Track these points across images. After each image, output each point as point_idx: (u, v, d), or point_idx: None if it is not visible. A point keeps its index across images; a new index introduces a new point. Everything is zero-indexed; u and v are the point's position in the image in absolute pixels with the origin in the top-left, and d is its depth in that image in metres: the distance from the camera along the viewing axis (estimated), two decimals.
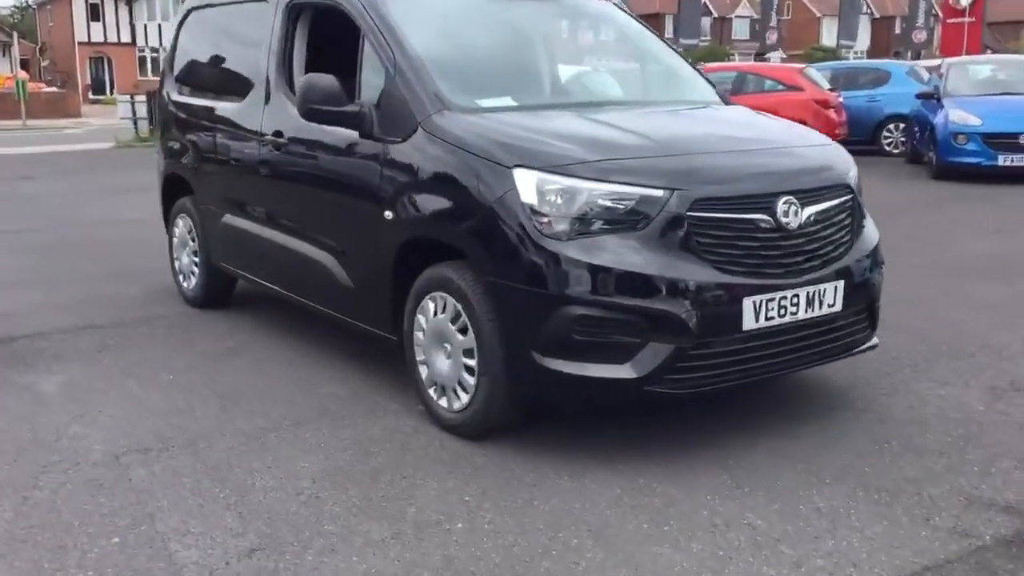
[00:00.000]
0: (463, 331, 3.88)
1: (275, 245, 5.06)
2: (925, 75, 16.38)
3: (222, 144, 5.62)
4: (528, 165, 3.63)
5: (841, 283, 3.86)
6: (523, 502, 3.44)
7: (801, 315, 3.74)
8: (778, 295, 3.65)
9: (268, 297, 5.70)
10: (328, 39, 5.05)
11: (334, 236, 4.60)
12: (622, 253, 3.49)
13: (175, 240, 6.41)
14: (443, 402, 4.06)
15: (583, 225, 3.54)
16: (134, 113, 23.09)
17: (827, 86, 15.45)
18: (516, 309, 3.63)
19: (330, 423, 4.20)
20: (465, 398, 3.92)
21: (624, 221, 3.53)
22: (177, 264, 6.42)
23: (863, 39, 62.90)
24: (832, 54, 52.21)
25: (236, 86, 5.58)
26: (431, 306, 4.04)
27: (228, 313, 6.08)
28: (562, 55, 5.24)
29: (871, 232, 4.18)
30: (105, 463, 3.83)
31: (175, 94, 6.36)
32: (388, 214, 4.14)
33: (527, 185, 3.60)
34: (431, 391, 4.12)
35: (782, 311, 3.67)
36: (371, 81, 4.38)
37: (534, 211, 3.57)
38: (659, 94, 4.93)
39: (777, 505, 3.39)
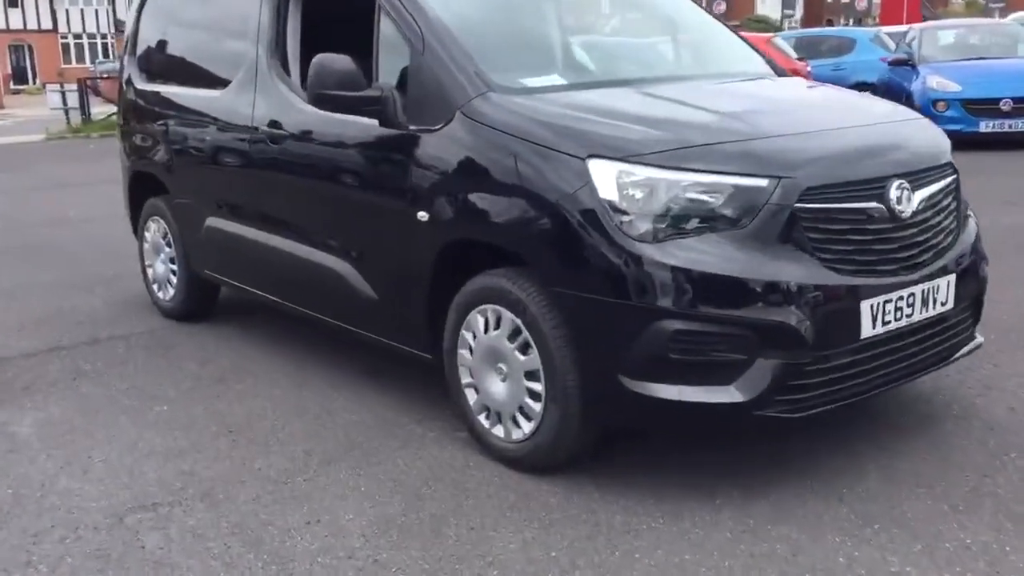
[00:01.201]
0: (524, 350, 3.33)
1: (275, 251, 4.44)
2: (891, 42, 16.11)
3: (202, 137, 4.97)
4: (605, 155, 3.08)
5: (952, 277, 3.38)
6: (623, 554, 2.91)
7: (917, 316, 3.26)
8: (894, 295, 3.16)
9: (255, 304, 5.07)
10: (329, 15, 4.43)
11: (351, 241, 4.00)
12: (723, 255, 2.96)
13: (147, 246, 5.73)
14: (498, 431, 3.51)
15: (675, 223, 3.00)
16: (65, 103, 21.92)
17: (795, 56, 15.09)
18: (595, 325, 3.08)
19: (363, 459, 3.62)
20: (528, 427, 3.37)
21: (723, 217, 3.01)
22: (150, 272, 5.75)
23: (800, 8, 63.15)
24: (768, 25, 52.24)
25: (215, 71, 4.94)
26: (480, 321, 3.47)
27: (213, 326, 5.43)
28: (597, 25, 4.68)
29: (970, 216, 3.71)
30: (108, 527, 3.21)
31: (139, 81, 5.67)
32: (422, 215, 3.56)
33: (605, 178, 3.05)
34: (482, 418, 3.57)
35: (898, 313, 3.19)
36: (391, 61, 3.79)
37: (615, 209, 3.03)
38: (709, 66, 4.39)
39: (919, 545, 2.90)
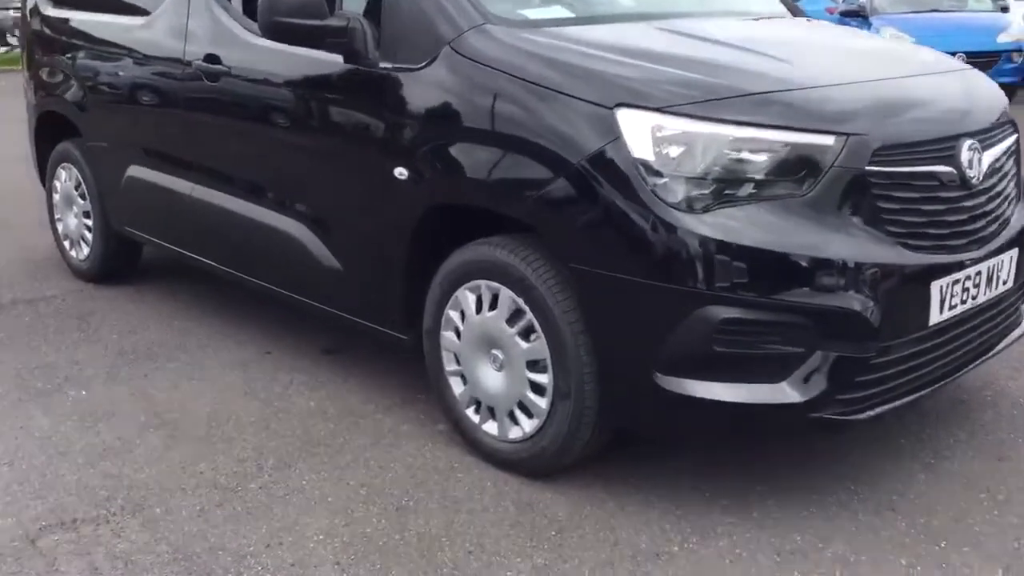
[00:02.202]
0: (526, 335, 2.80)
1: (213, 209, 3.80)
2: None
3: (121, 72, 4.26)
4: (637, 104, 2.53)
5: (1015, 252, 2.94)
6: None
7: (981, 298, 2.81)
8: (962, 275, 2.71)
9: (188, 265, 4.42)
10: None
11: (309, 201, 3.40)
12: (781, 228, 2.46)
13: (56, 197, 5.00)
14: (490, 428, 2.97)
15: (722, 189, 2.48)
16: None
17: None
18: (622, 311, 2.56)
19: (328, 460, 3.05)
20: (529, 425, 2.85)
21: (781, 182, 2.49)
22: (61, 227, 5.03)
23: None
24: None
25: None
26: (471, 299, 2.92)
27: (137, 290, 4.75)
28: None
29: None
30: (16, 551, 2.60)
31: (47, 7, 4.90)
32: (400, 172, 2.97)
33: (638, 133, 2.51)
34: (470, 412, 3.03)
35: (965, 295, 2.73)
36: None
37: (649, 170, 2.49)
38: (717, 3, 3.83)
39: (1000, 569, 2.48)
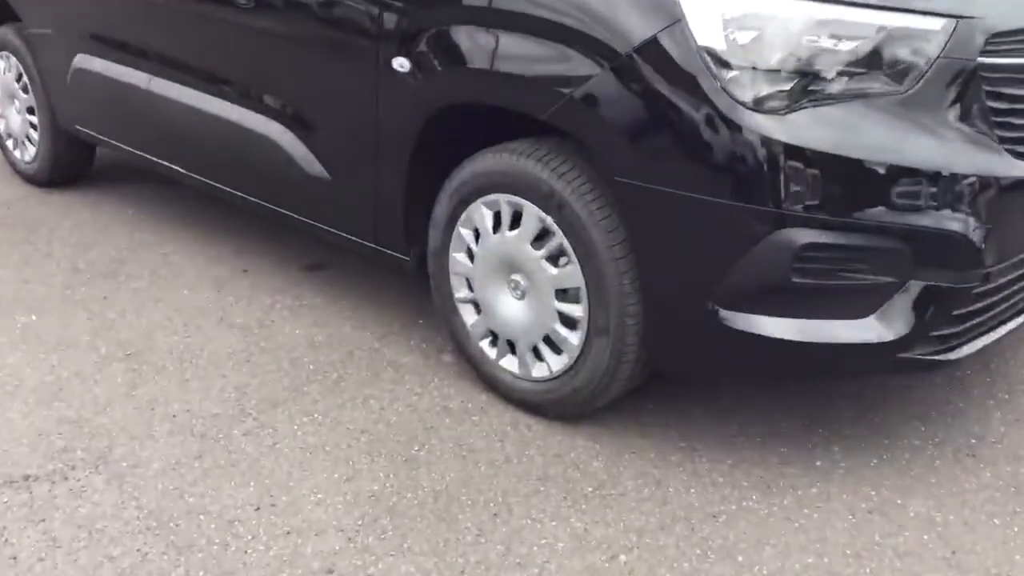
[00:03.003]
0: (555, 260, 2.38)
1: (174, 106, 3.29)
2: None
3: None
4: None
5: None
6: (717, 556, 2.07)
7: None
8: None
9: (149, 169, 3.92)
10: None
11: (290, 97, 2.91)
12: (876, 133, 2.03)
13: None
14: (509, 364, 2.58)
15: (807, 84, 2.04)
16: None
17: None
18: (680, 234, 2.14)
19: (322, 399, 2.65)
20: (558, 363, 2.46)
21: (875, 76, 2.05)
22: (2, 125, 4.48)
23: None
24: None
25: None
26: (487, 216, 2.49)
27: (91, 197, 4.24)
28: None
29: None
30: None
31: None
32: (401, 64, 2.50)
33: (705, 14, 2.05)
34: (484, 345, 2.63)
35: None
36: None
37: (717, 60, 2.04)
38: None
39: None
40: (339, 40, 2.68)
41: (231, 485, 2.29)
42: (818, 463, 2.38)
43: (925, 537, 2.13)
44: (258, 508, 2.22)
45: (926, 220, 2.05)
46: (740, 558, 2.07)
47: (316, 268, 3.48)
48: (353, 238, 2.90)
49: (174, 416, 2.57)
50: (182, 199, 4.06)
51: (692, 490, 2.28)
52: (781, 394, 2.64)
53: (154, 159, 3.55)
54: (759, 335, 2.12)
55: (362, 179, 2.77)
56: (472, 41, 2.37)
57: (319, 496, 2.26)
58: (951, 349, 2.19)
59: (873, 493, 2.27)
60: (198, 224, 3.85)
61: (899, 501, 2.25)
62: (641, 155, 2.14)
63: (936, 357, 2.17)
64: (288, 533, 2.14)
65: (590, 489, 2.29)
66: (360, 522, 2.17)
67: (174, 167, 3.43)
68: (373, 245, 2.85)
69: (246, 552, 2.08)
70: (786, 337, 2.12)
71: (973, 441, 2.47)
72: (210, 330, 3.02)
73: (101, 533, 2.14)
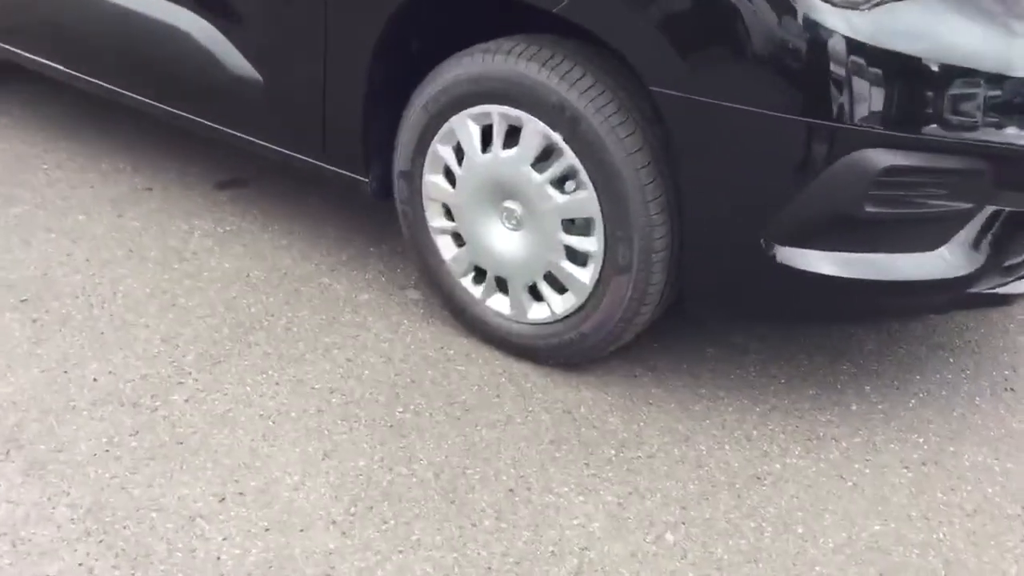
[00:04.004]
0: (560, 184, 2.01)
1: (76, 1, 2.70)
2: None
3: None
4: None
5: None
6: (776, 529, 1.81)
7: None
8: None
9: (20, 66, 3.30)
10: None
11: None
12: (970, 37, 1.72)
13: None
14: (498, 304, 2.22)
15: None
16: None
17: None
18: (731, 157, 1.80)
19: (274, 350, 2.24)
20: (562, 304, 2.11)
21: None
22: None
23: None
24: None
25: None
26: (473, 131, 2.09)
27: None
28: None
29: None
30: None
31: None
32: None
33: None
34: (466, 282, 2.25)
35: None
36: None
37: None
38: None
39: None
40: None
41: (183, 470, 1.88)
42: (853, 407, 2.14)
43: (989, 491, 1.93)
44: (223, 499, 1.82)
45: (1012, 137, 1.76)
46: (800, 529, 1.81)
47: (233, 185, 2.99)
48: (294, 154, 2.44)
49: (94, 380, 2.12)
50: (59, 101, 3.44)
51: (726, 447, 2.01)
52: (792, 337, 2.38)
53: (39, 59, 2.93)
54: (817, 274, 1.82)
55: (306, 82, 2.30)
56: None
57: (295, 478, 1.87)
58: (1021, 279, 1.94)
59: (921, 440, 2.05)
60: (83, 132, 3.26)
61: (951, 449, 2.03)
62: (687, 60, 1.77)
63: (1010, 292, 1.92)
64: (267, 530, 1.76)
65: (612, 452, 1.98)
66: (353, 510, 1.80)
67: (68, 70, 2.82)
68: (321, 163, 2.40)
69: (219, 559, 1.70)
70: (847, 275, 1.82)
71: (1007, 373, 2.27)
72: (119, 266, 2.53)
73: (28, 544, 1.71)
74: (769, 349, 2.31)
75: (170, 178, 3.01)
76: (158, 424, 1.99)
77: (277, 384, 2.12)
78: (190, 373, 2.14)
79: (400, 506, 1.82)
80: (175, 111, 2.58)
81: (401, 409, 2.07)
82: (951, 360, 2.31)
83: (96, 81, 2.73)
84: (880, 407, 2.14)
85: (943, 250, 1.84)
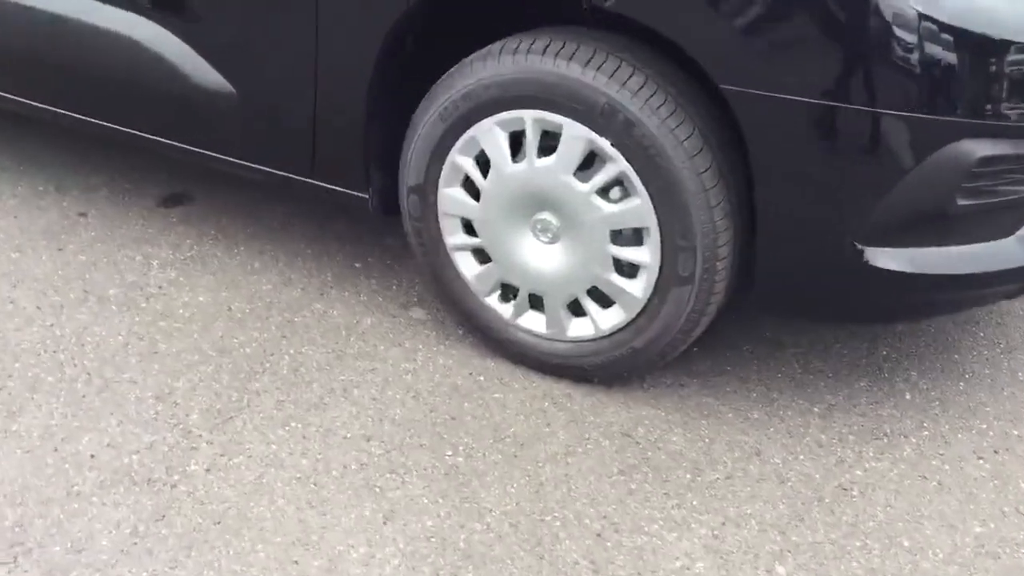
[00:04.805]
0: (604, 192, 1.84)
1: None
2: None
3: None
4: None
5: None
6: (884, 545, 1.72)
7: None
8: None
9: None
10: None
11: None
12: None
13: None
14: (531, 322, 2.05)
15: None
16: None
17: None
18: (814, 157, 1.67)
19: (288, 394, 2.01)
20: (610, 319, 1.96)
21: None
22: None
23: None
24: None
25: None
26: (501, 139, 1.89)
27: None
28: None
29: None
30: None
31: None
32: None
33: None
34: (492, 301, 2.07)
35: None
36: None
37: None
38: None
39: None
40: None
41: (231, 556, 1.65)
42: (908, 396, 2.08)
43: None
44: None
45: None
46: (905, 542, 1.73)
47: (178, 201, 2.69)
48: (275, 172, 2.18)
49: (92, 456, 1.84)
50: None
51: (800, 457, 1.91)
52: (843, 336, 2.29)
53: None
54: (902, 272, 1.72)
55: (290, 93, 2.05)
56: None
57: (361, 551, 1.67)
58: None
59: (984, 426, 2.00)
60: (6, 147, 2.88)
61: (1016, 433, 1.99)
62: (766, 55, 1.62)
63: None
64: None
65: (688, 476, 1.85)
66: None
67: (17, 98, 2.42)
68: (309, 181, 2.15)
69: None
70: (938, 272, 1.74)
71: None
72: (77, 311, 2.22)
73: None
74: (804, 340, 2.22)
75: (103, 198, 2.68)
76: (183, 503, 1.74)
77: (304, 438, 1.90)
78: (201, 435, 1.89)
79: (487, 569, 1.64)
80: (135, 132, 2.26)
81: (450, 452, 1.88)
82: (981, 334, 2.28)
83: (25, 101, 2.37)
84: (933, 394, 2.09)
85: (1014, 237, 1.77)
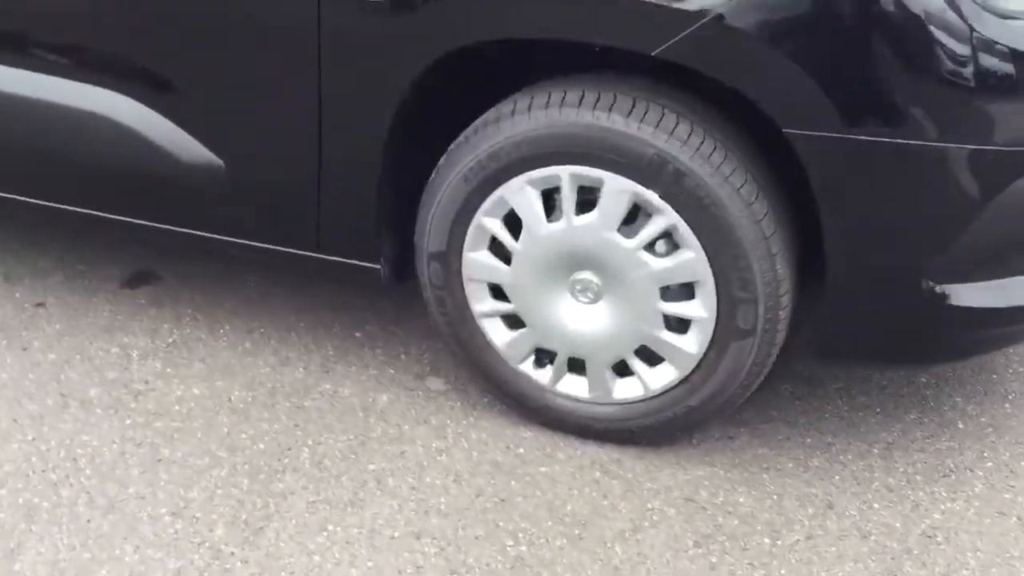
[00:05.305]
0: (651, 246, 1.72)
1: None
2: None
3: None
4: None
5: None
6: None
7: None
8: None
9: None
10: None
11: (150, 55, 1.89)
12: None
13: None
14: (571, 387, 1.91)
15: None
16: None
17: None
18: (888, 197, 1.59)
19: (317, 493, 1.82)
20: (661, 379, 1.84)
21: None
22: None
23: None
24: None
25: None
26: (533, 198, 1.75)
27: None
28: None
29: None
30: None
31: None
32: None
33: None
34: (526, 368, 1.93)
35: None
36: None
37: None
38: None
39: None
40: None
41: None
42: (960, 425, 2.02)
43: None
44: None
45: None
46: None
47: (143, 280, 2.47)
48: (271, 247, 2.00)
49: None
50: None
51: (875, 505, 1.82)
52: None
53: None
54: (982, 308, 1.65)
55: (290, 164, 1.87)
56: None
57: None
58: None
59: None
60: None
61: None
62: (837, 96, 1.52)
63: None
64: None
65: (767, 541, 1.74)
66: None
67: None
68: (311, 254, 1.98)
69: None
70: (1007, 304, 1.67)
71: None
72: (59, 420, 1.99)
73: None
74: (841, 374, 2.14)
75: (59, 284, 2.44)
76: None
77: (348, 543, 1.72)
78: (232, 553, 1.70)
79: None
80: (108, 215, 2.04)
81: (511, 542, 1.73)
82: (1011, 351, 2.23)
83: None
84: (983, 420, 2.03)
85: None
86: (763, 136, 1.66)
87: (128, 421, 1.99)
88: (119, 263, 2.51)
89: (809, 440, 1.97)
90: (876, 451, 1.94)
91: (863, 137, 1.53)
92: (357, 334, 2.27)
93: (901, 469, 1.90)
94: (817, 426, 2.00)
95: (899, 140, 1.52)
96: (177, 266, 2.49)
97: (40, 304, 2.37)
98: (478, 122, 1.77)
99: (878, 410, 2.05)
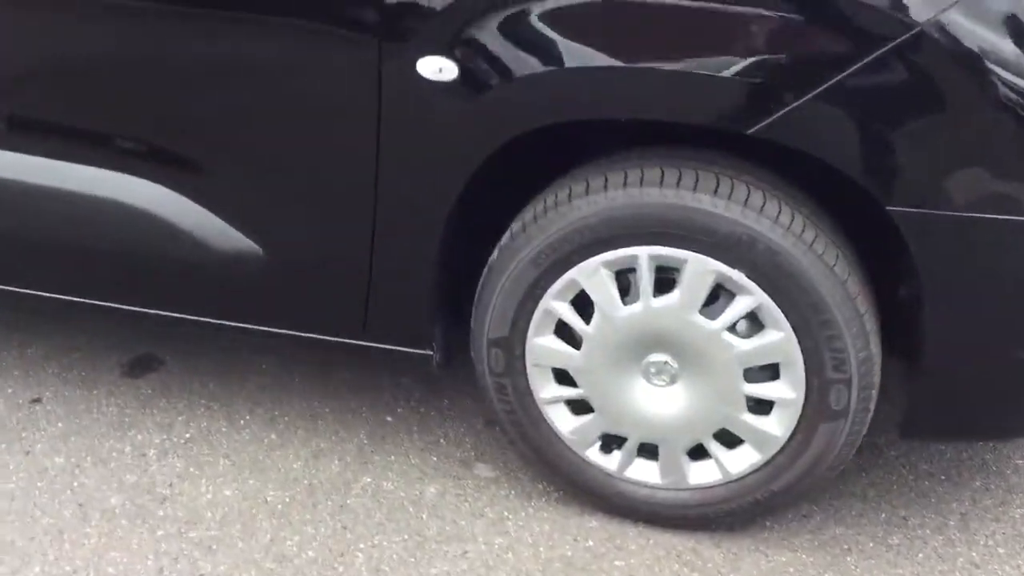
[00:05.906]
0: (732, 328, 1.64)
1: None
2: None
3: None
4: None
5: None
6: None
7: None
8: None
9: None
10: None
11: (187, 139, 1.75)
12: None
13: None
14: (641, 473, 1.81)
15: None
16: None
17: None
18: (988, 272, 1.54)
19: None
20: (741, 462, 1.75)
21: None
22: None
23: None
24: None
25: None
26: (607, 280, 1.66)
27: None
28: None
29: None
30: None
31: None
32: (437, 68, 1.54)
33: None
34: (593, 454, 1.82)
35: None
36: None
37: None
38: None
39: None
40: (298, 33, 1.60)
41: None
42: (1010, 472, 1.97)
43: None
44: None
45: None
46: None
47: (145, 367, 2.30)
48: (313, 335, 1.86)
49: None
50: None
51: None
52: None
53: None
54: None
55: (339, 248, 1.75)
56: (597, 21, 1.49)
57: None
58: None
59: None
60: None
61: None
62: (945, 174, 1.46)
63: None
64: None
65: None
66: None
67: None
68: (359, 342, 1.85)
69: None
70: None
71: None
72: (80, 534, 1.82)
73: None
74: (895, 438, 2.08)
75: (53, 376, 2.26)
76: None
77: None
78: None
79: None
80: (128, 308, 1.88)
81: None
82: None
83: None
84: None
85: None
86: (845, 213, 1.61)
87: (159, 532, 1.83)
88: (116, 347, 2.33)
89: (883, 515, 1.90)
90: (952, 523, 1.89)
91: (968, 214, 1.47)
92: (388, 418, 2.13)
93: (981, 543, 1.84)
94: (888, 499, 1.94)
95: (1002, 216, 1.47)
96: (179, 348, 2.32)
97: (36, 400, 2.18)
98: (547, 202, 1.66)
99: (943, 477, 2.00)
